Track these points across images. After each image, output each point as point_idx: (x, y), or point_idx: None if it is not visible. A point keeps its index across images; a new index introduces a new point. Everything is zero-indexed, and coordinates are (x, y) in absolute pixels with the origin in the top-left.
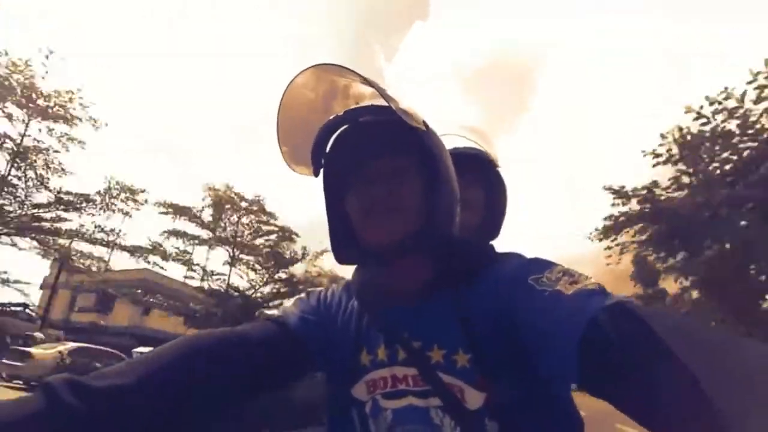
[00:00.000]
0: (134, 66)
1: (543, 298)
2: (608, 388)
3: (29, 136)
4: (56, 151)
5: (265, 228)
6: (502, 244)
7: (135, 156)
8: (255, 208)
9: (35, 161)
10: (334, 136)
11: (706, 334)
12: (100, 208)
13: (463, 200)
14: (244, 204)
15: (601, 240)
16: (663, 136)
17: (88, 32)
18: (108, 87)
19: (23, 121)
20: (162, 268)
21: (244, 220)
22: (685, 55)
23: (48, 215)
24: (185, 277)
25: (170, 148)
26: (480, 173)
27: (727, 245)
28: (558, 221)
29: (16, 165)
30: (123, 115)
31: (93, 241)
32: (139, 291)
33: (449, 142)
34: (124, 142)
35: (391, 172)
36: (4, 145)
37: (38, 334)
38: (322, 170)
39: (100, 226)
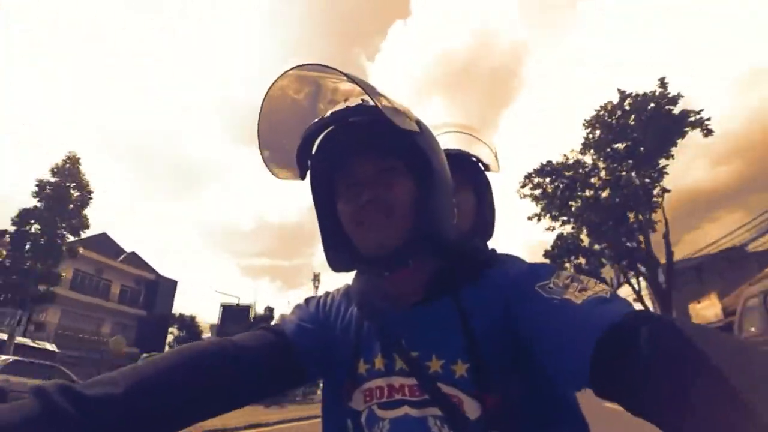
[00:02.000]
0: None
1: (552, 307)
2: (626, 395)
3: None
4: None
5: None
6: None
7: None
8: None
9: None
10: (320, 137)
11: (733, 341)
12: None
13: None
14: None
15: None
16: None
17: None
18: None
19: None
20: None
21: None
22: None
23: None
24: None
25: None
26: (468, 175)
27: None
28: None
29: None
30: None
31: None
32: None
33: (443, 142)
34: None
35: (381, 175)
36: None
37: None
38: (309, 174)
39: None
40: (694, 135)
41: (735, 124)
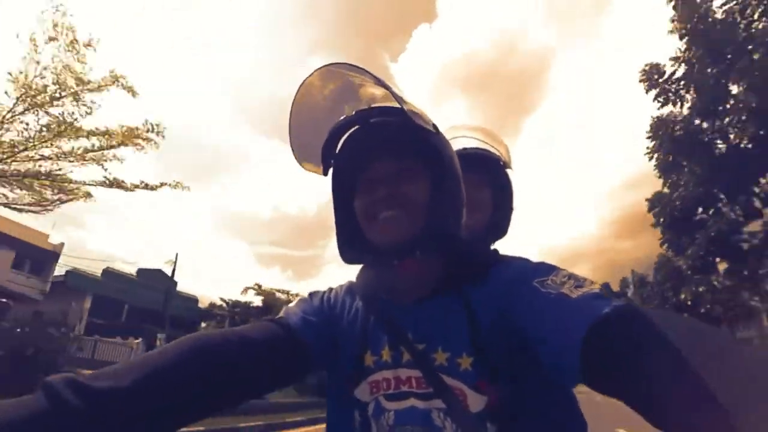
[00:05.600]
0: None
1: (547, 301)
2: (614, 386)
3: None
4: None
5: None
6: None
7: None
8: None
9: None
10: (345, 136)
11: (711, 335)
12: None
13: (471, 201)
14: None
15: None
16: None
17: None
18: None
19: None
20: None
21: None
22: None
23: None
24: None
25: None
26: (488, 173)
27: None
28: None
29: None
30: None
31: None
32: None
33: (458, 144)
34: None
35: (398, 174)
36: None
37: None
38: (330, 170)
39: None
40: None
41: None
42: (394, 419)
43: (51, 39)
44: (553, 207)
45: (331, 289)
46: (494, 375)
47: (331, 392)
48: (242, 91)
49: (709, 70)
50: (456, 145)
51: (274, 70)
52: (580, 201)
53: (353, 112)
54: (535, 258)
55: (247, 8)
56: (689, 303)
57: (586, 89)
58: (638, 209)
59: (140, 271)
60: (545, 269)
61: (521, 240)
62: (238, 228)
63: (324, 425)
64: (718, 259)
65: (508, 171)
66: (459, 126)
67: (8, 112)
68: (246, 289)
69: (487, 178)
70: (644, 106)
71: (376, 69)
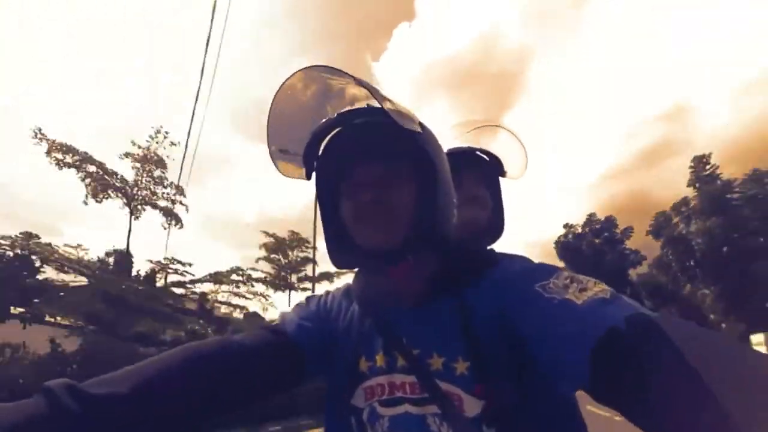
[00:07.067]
0: None
1: (552, 307)
2: (621, 399)
3: None
4: None
5: None
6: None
7: None
8: None
9: None
10: (327, 139)
11: (724, 346)
12: None
13: (473, 197)
14: None
15: None
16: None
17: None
18: None
19: None
20: None
21: None
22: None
23: None
24: None
25: None
26: (485, 173)
27: None
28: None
29: None
30: None
31: None
32: None
33: (458, 143)
34: None
35: (384, 176)
36: None
37: None
38: (314, 174)
39: None
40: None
41: (732, 132)
42: (389, 425)
43: None
44: (540, 201)
45: (328, 293)
46: (491, 379)
47: (328, 398)
48: (226, 93)
49: None
50: (456, 144)
51: (256, 72)
52: (563, 194)
53: (335, 114)
54: (525, 254)
55: (228, 11)
56: None
57: (566, 85)
58: (618, 201)
59: None
60: (547, 271)
61: (507, 235)
62: (224, 231)
63: None
64: None
65: (510, 178)
66: (472, 122)
67: None
68: None
69: (483, 176)
70: (625, 100)
71: (359, 69)
